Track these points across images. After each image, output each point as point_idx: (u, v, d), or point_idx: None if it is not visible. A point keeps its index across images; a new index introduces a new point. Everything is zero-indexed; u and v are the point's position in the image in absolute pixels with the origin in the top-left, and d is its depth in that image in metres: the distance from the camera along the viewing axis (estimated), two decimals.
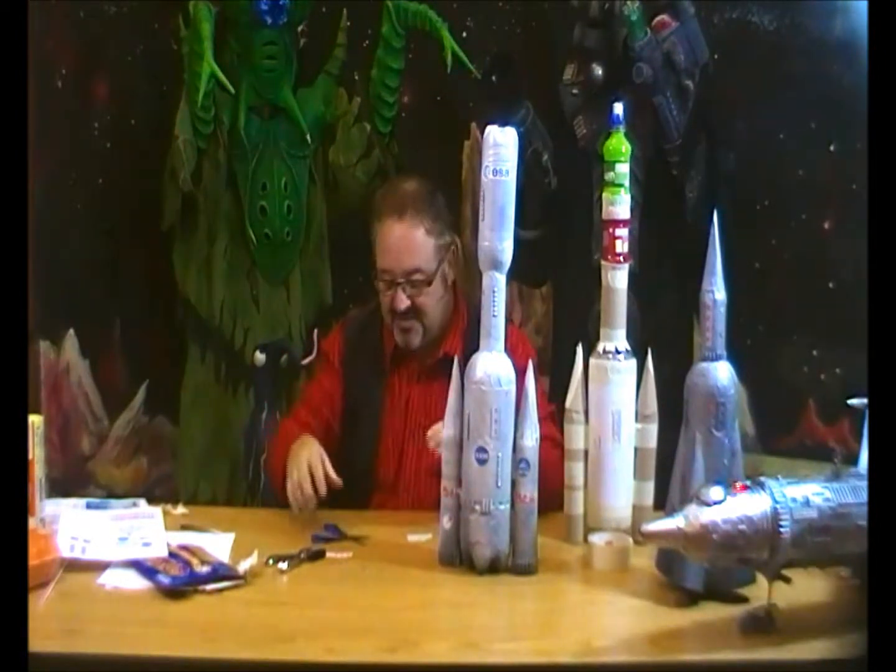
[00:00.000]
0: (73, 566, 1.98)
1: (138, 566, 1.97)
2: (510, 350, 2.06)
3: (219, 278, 3.02)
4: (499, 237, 2.00)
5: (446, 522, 2.03)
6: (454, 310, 2.48)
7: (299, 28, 3.01)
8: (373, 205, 2.52)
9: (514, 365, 2.02)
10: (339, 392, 2.47)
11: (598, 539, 2.08)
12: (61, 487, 2.59)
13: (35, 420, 2.06)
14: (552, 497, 2.12)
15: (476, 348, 2.04)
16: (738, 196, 2.84)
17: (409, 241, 2.38)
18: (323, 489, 2.21)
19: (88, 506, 2.29)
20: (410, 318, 2.39)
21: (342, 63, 3.04)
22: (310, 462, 2.23)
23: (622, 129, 2.19)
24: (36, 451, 2.07)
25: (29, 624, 1.51)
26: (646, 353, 2.16)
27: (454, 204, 3.12)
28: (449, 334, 2.45)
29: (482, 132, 2.05)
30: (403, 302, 2.38)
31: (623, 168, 2.17)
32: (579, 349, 2.17)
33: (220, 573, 1.93)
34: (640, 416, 2.15)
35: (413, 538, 2.17)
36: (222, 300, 3.03)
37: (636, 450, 2.15)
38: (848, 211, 2.83)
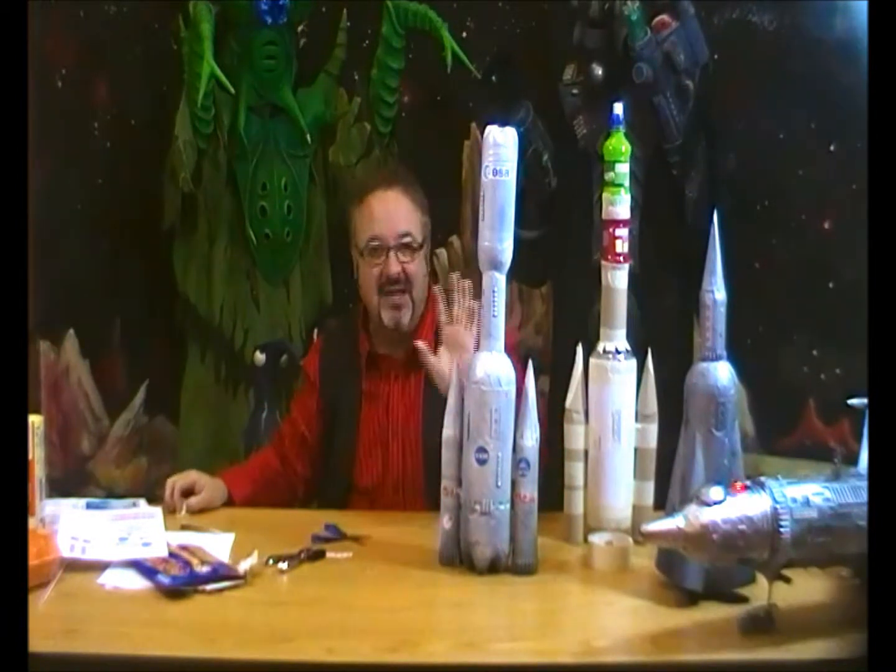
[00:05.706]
0: (73, 566, 1.97)
1: (138, 566, 1.97)
2: None
3: (219, 278, 3.03)
4: (499, 237, 2.00)
5: (446, 522, 2.03)
6: (428, 304, 2.44)
7: (299, 28, 3.02)
8: (353, 189, 2.57)
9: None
10: (316, 405, 2.48)
11: (598, 539, 2.07)
12: (61, 487, 2.59)
13: (35, 420, 2.06)
14: None
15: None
16: (738, 196, 2.84)
17: (400, 207, 2.40)
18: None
19: (88, 506, 2.28)
20: (400, 290, 2.37)
21: (342, 63, 3.05)
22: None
23: (622, 129, 2.18)
24: (36, 451, 2.06)
25: (29, 624, 1.51)
26: (646, 353, 2.16)
27: (454, 204, 3.14)
28: (422, 326, 2.42)
29: (482, 132, 2.04)
30: (396, 265, 2.36)
31: (623, 168, 2.16)
32: (579, 349, 2.16)
33: (220, 573, 1.93)
34: (640, 416, 2.15)
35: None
36: (222, 300, 3.04)
37: (636, 450, 2.15)
38: (848, 211, 2.83)
